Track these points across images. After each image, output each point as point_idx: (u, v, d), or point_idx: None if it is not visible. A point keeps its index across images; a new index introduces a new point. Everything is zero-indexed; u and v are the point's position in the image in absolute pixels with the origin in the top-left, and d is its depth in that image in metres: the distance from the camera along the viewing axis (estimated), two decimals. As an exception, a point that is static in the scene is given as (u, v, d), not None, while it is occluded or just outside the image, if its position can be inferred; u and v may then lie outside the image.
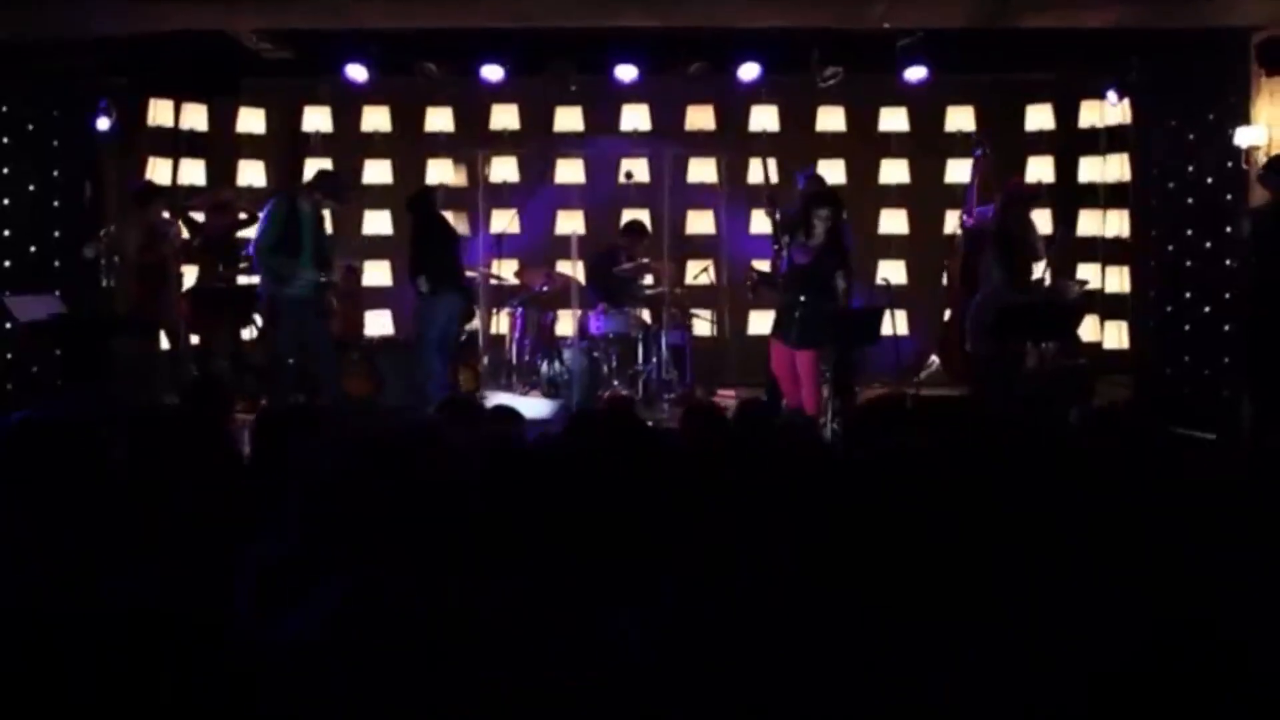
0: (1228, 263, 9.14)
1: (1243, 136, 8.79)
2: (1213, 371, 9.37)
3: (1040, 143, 12.02)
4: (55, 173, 9.96)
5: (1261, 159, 8.59)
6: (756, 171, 11.91)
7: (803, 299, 8.48)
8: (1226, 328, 9.21)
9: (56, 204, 9.95)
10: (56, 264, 9.92)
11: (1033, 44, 10.43)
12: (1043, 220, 11.94)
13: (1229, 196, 9.21)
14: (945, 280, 11.50)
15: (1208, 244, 9.43)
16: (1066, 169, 11.90)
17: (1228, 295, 9.13)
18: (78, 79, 9.95)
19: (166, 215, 10.55)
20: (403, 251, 12.08)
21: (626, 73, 10.84)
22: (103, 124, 10.13)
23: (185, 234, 10.44)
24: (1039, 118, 11.96)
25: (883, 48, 10.47)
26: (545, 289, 10.76)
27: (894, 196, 12.14)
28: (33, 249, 9.82)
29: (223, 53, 10.53)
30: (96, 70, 10.07)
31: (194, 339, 10.38)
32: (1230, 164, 9.15)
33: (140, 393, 9.32)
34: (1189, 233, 9.58)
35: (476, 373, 10.43)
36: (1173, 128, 9.74)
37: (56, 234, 9.93)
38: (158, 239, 9.76)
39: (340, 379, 9.39)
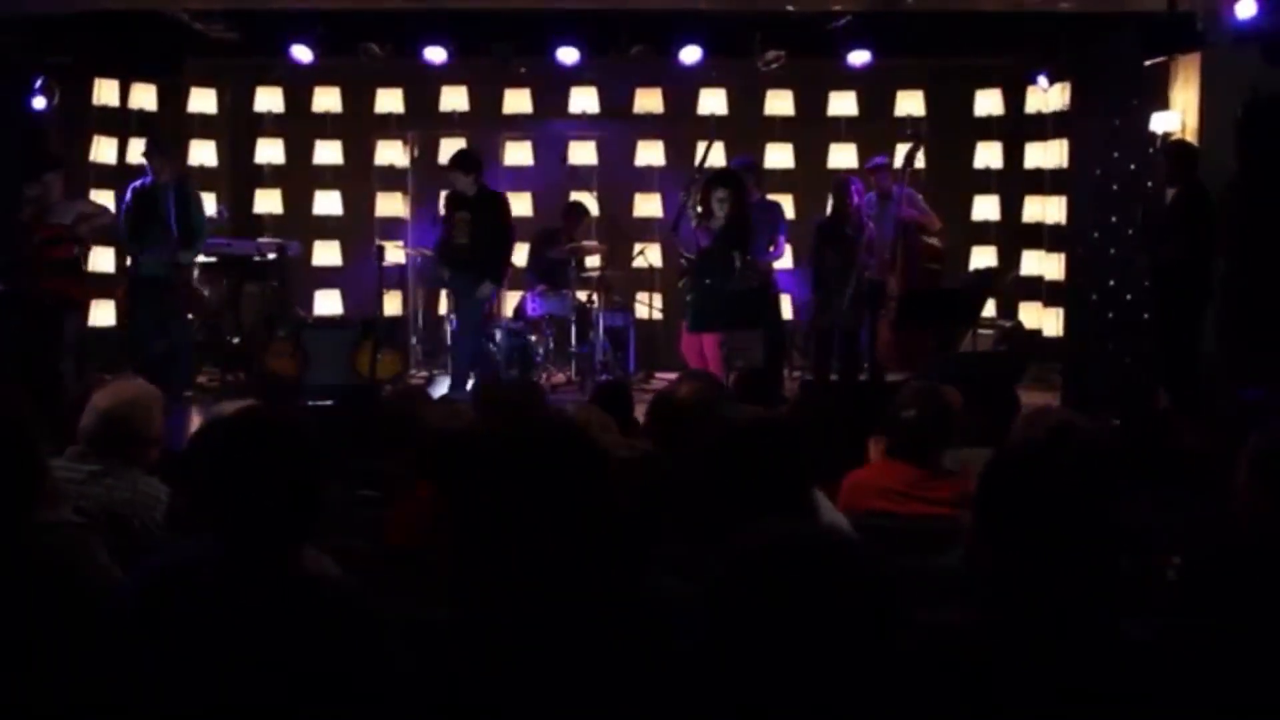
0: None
1: (1157, 122, 8.74)
2: (1132, 359, 9.33)
3: (989, 128, 11.97)
4: (-9, 152, 10.05)
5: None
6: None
7: (707, 281, 8.52)
8: (1146, 315, 9.17)
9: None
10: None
11: (981, 28, 10.38)
12: (989, 206, 11.96)
13: (1150, 184, 9.15)
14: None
15: (1130, 231, 9.37)
16: (1014, 155, 11.85)
17: (1147, 284, 9.07)
18: (13, 58, 10.02)
19: (96, 197, 10.59)
20: (355, 232, 12.25)
21: (568, 55, 10.84)
22: (39, 103, 10.18)
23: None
24: (987, 103, 11.91)
25: (827, 32, 10.45)
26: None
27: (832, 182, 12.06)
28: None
29: (168, 33, 10.61)
30: (33, 49, 10.15)
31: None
32: (1152, 150, 9.10)
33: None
34: (1113, 219, 9.51)
35: (396, 358, 10.44)
36: (1100, 113, 9.67)
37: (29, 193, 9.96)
38: (39, 217, 9.65)
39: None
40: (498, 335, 10.41)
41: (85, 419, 3.63)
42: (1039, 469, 2.11)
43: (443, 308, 11.39)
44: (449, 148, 12.04)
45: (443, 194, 10.32)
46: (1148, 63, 8.53)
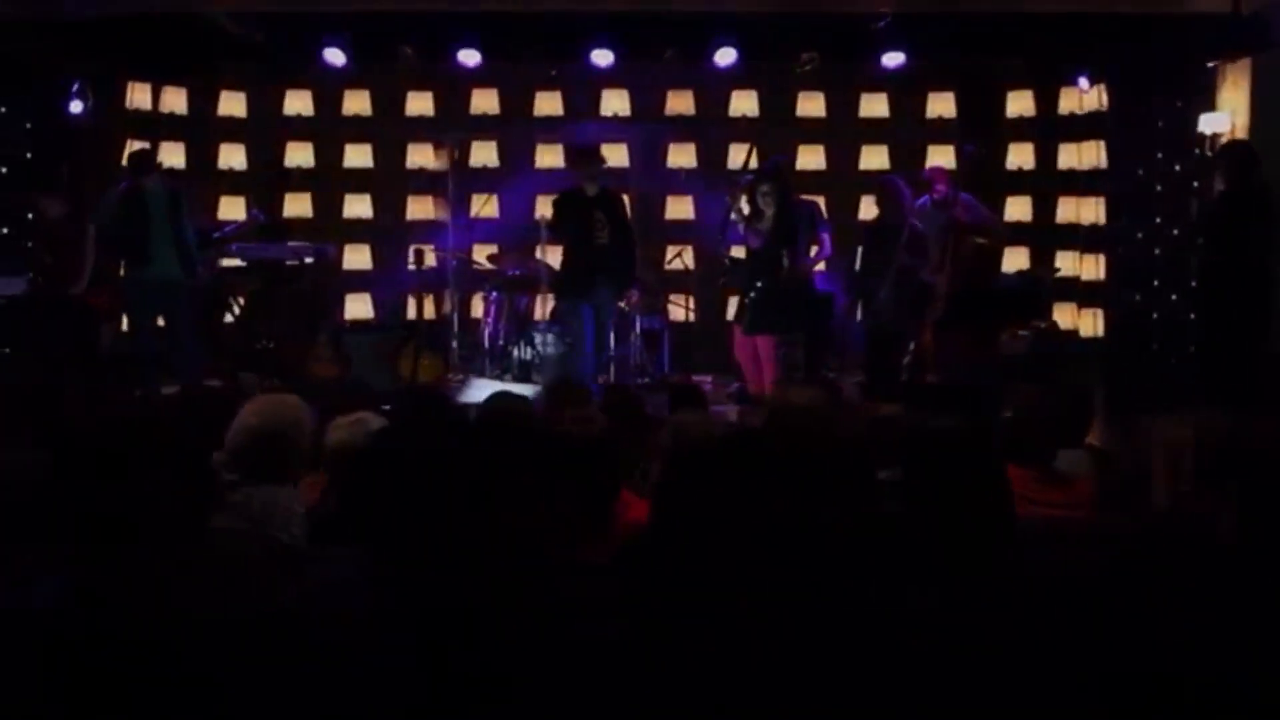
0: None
1: (1206, 123, 8.74)
2: (1178, 360, 9.33)
3: (1021, 129, 11.96)
4: (28, 155, 10.04)
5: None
6: (736, 157, 11.92)
7: (758, 283, 8.50)
8: (1192, 315, 9.17)
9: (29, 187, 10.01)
10: (29, 245, 9.99)
11: (1013, 29, 10.37)
12: (1022, 207, 11.95)
13: (1195, 184, 9.16)
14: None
15: (1175, 231, 9.38)
16: (1047, 155, 11.84)
17: (1194, 283, 9.06)
18: (49, 62, 9.99)
19: None
20: (385, 235, 12.22)
21: (603, 57, 10.82)
22: (76, 107, 10.17)
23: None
24: (1019, 104, 11.91)
25: (861, 33, 10.43)
26: (518, 274, 10.76)
27: (874, 183, 12.02)
28: (4, 230, 9.90)
29: (200, 36, 10.57)
30: (69, 53, 10.12)
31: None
32: (1197, 151, 9.11)
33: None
34: (1157, 220, 9.54)
35: (437, 361, 10.40)
36: (1142, 114, 9.68)
37: (30, 216, 9.99)
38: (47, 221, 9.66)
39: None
40: (535, 338, 10.37)
41: (234, 433, 3.60)
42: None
43: (476, 310, 11.34)
44: (480, 151, 12.08)
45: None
46: (1210, 64, 8.53)
